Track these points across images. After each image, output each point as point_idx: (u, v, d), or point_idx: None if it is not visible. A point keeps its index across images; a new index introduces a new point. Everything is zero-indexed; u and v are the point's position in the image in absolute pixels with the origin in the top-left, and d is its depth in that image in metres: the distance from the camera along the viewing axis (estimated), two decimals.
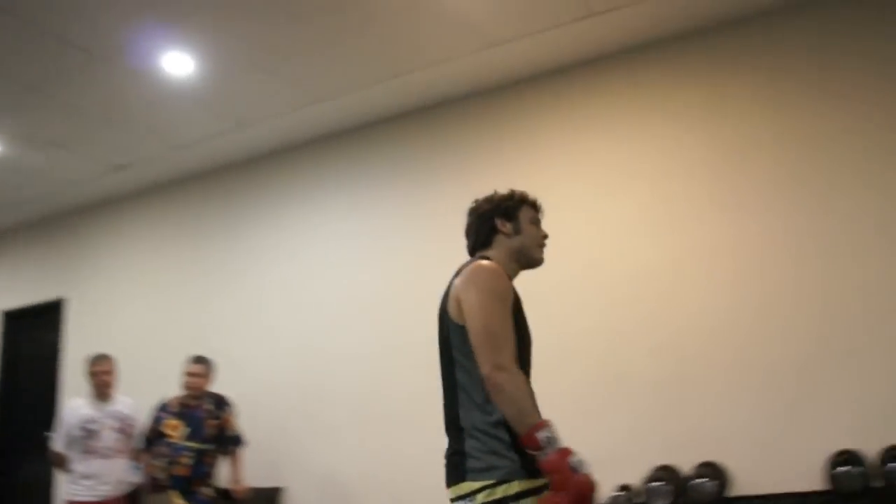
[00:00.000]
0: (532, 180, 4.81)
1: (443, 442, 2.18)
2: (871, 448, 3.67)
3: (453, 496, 2.10)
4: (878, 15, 4.15)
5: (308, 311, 5.50)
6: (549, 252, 4.84)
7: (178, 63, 4.72)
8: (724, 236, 4.32)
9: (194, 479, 4.82)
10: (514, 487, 2.01)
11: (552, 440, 1.97)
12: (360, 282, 5.35)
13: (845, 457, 3.67)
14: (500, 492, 2.01)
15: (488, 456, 2.06)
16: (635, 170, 4.59)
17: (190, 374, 4.99)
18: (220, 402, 5.03)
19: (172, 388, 5.09)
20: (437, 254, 5.01)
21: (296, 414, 5.36)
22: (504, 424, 2.05)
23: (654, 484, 3.91)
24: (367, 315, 5.24)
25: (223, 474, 4.94)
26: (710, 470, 3.94)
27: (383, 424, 5.00)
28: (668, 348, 4.32)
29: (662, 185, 4.51)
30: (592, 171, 4.69)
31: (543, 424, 1.99)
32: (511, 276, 2.29)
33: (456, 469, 2.10)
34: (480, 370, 2.04)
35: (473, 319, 2.09)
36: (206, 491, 4.85)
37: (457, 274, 2.23)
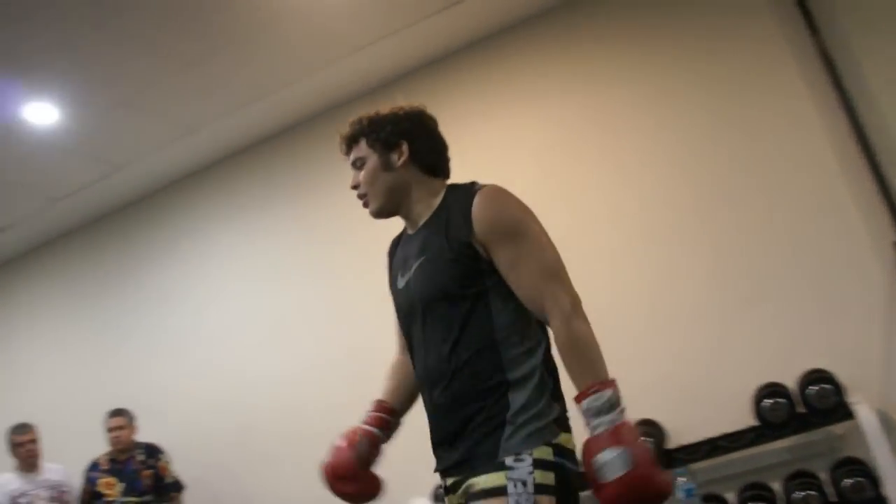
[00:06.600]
0: None
1: None
2: (787, 377, 3.80)
3: None
4: None
5: (222, 343, 5.36)
6: None
7: (40, 113, 4.53)
8: (609, 199, 4.40)
9: None
10: None
11: None
12: (269, 305, 5.25)
13: (769, 389, 3.79)
14: None
15: None
16: (520, 150, 4.61)
17: (112, 429, 4.84)
18: (152, 451, 4.89)
19: (99, 447, 4.92)
20: (341, 267, 4.99)
21: (228, 448, 5.22)
22: None
23: None
24: (281, 337, 5.14)
25: None
26: (647, 427, 4.00)
27: (315, 444, 4.90)
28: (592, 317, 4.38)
29: (548, 160, 4.55)
30: (479, 155, 4.68)
31: None
32: None
33: None
34: None
35: None
36: None
37: None
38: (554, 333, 1.84)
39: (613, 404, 1.76)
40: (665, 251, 4.26)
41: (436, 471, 1.97)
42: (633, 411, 3.99)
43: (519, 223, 1.91)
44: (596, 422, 1.74)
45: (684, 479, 3.28)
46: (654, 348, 4.22)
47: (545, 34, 4.62)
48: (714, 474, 3.99)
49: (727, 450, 3.90)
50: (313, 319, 5.05)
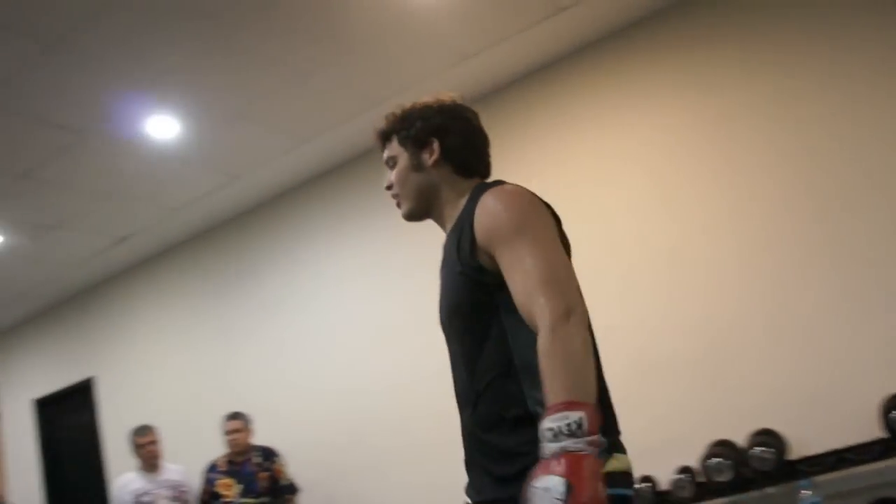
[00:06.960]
0: (529, 182, 4.80)
1: None
2: None
3: None
4: None
5: (337, 349, 5.47)
6: None
7: (162, 126, 4.71)
8: (725, 205, 4.28)
9: None
10: None
11: None
12: (381, 310, 5.32)
13: None
14: None
15: None
16: (630, 157, 4.55)
17: (229, 432, 4.99)
18: (268, 454, 5.02)
19: (216, 449, 5.07)
20: None
21: (341, 452, 5.32)
22: None
23: (713, 460, 3.86)
24: (396, 344, 5.19)
25: None
26: (767, 437, 3.88)
27: (424, 452, 4.93)
28: (698, 325, 4.28)
29: (657, 167, 4.47)
30: (589, 162, 4.65)
31: None
32: None
33: None
34: None
35: None
36: None
37: None
38: (538, 344, 1.50)
39: (581, 430, 1.37)
40: (788, 258, 4.12)
41: (466, 492, 1.79)
42: (754, 420, 3.92)
43: (514, 227, 1.62)
44: (552, 446, 1.38)
45: (809, 493, 3.16)
46: (776, 357, 4.09)
47: (656, 37, 4.54)
48: (840, 487, 3.84)
49: (854, 462, 3.75)
50: (424, 325, 5.06)
